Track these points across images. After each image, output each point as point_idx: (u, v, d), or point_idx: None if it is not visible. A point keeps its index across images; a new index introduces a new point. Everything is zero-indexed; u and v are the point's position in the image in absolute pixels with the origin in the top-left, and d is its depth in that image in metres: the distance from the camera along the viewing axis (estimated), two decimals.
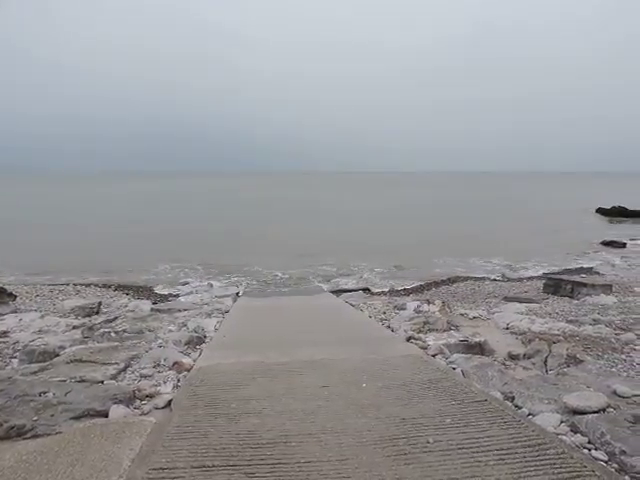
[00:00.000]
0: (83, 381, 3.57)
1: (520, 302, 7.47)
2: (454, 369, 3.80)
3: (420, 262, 14.48)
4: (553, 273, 11.58)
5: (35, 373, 3.73)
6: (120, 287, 11.00)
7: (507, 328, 5.43)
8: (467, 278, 11.65)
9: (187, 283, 11.90)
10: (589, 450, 2.44)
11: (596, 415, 2.71)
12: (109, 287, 10.89)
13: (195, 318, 6.10)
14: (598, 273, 11.88)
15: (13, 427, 2.68)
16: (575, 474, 2.11)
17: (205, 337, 5.07)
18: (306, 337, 4.79)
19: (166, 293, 10.62)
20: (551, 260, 14.76)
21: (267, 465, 2.27)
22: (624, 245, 17.65)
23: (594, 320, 5.59)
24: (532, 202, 42.52)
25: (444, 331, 5.13)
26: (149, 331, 5.35)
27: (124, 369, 3.93)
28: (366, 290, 10.31)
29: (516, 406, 3.05)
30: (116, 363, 3.97)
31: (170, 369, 3.89)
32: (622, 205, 30.78)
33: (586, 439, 2.53)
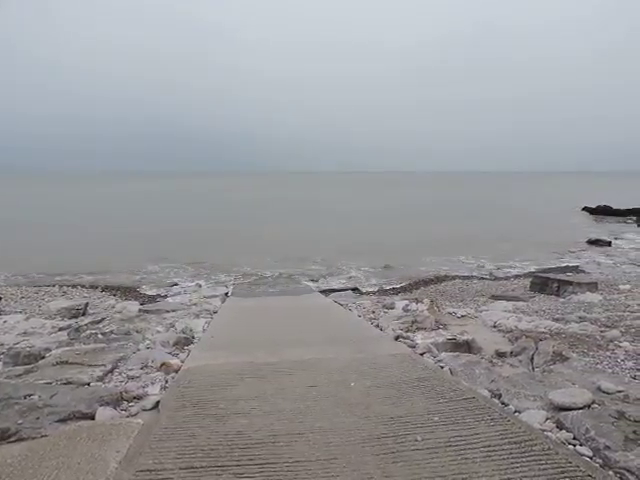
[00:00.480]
0: (69, 383, 3.53)
1: (507, 300, 7.54)
2: (442, 367, 3.83)
3: (409, 261, 14.55)
4: (540, 271, 11.71)
5: (20, 376, 3.67)
6: (107, 288, 10.89)
7: (494, 326, 5.48)
8: (455, 277, 11.74)
9: (176, 284, 11.83)
10: (574, 446, 2.47)
11: (581, 411, 2.75)
12: (96, 288, 10.77)
13: (183, 319, 6.06)
14: (584, 271, 12.05)
15: None
16: (560, 470, 2.14)
17: (193, 338, 5.05)
18: (295, 337, 4.79)
19: (154, 294, 10.55)
20: (538, 259, 14.94)
21: (255, 465, 2.26)
22: (609, 244, 17.92)
23: (580, 318, 5.66)
24: (522, 202, 42.94)
25: (432, 330, 5.16)
26: (136, 332, 5.30)
27: (111, 371, 3.89)
28: (355, 290, 10.34)
29: (503, 403, 3.08)
30: (103, 365, 3.93)
31: (158, 370, 3.86)
32: (607, 204, 31.27)
33: (571, 435, 2.56)
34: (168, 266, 14.17)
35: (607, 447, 2.34)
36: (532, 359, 4.04)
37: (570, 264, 13.59)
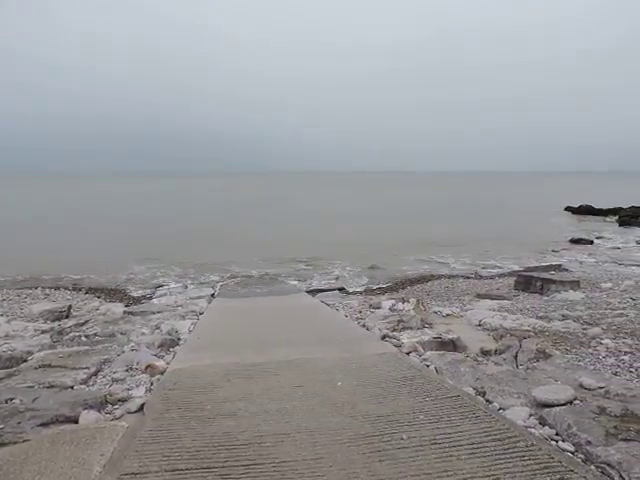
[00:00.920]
0: (52, 386, 3.48)
1: (492, 299, 7.63)
2: (428, 366, 3.86)
3: (396, 261, 14.62)
4: (524, 270, 11.86)
5: (1, 380, 3.61)
6: (92, 290, 10.73)
7: (480, 325, 5.54)
8: (441, 276, 11.83)
9: (161, 285, 11.71)
10: (556, 442, 2.51)
11: (563, 407, 2.80)
12: (80, 290, 10.61)
13: (169, 320, 6.01)
14: (567, 270, 12.23)
15: None
16: (543, 465, 2.18)
17: (179, 339, 5.01)
18: (282, 337, 4.78)
19: (140, 295, 10.43)
20: (522, 258, 15.13)
21: (242, 466, 2.26)
22: (591, 242, 18.23)
23: (563, 316, 5.75)
24: (509, 201, 43.39)
25: (418, 329, 5.20)
26: (121, 334, 5.25)
27: (95, 373, 3.85)
28: (342, 290, 10.36)
29: (487, 401, 3.11)
30: (87, 367, 3.88)
31: (143, 372, 3.83)
32: (589, 204, 31.83)
33: (554, 431, 2.60)
34: (154, 266, 14.02)
35: (589, 442, 2.39)
36: (516, 357, 4.10)
37: (553, 263, 13.77)
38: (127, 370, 3.91)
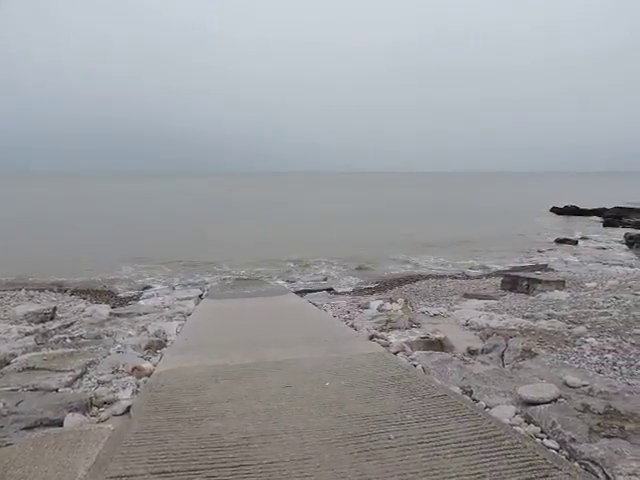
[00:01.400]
0: (36, 389, 3.43)
1: (479, 299, 7.69)
2: (415, 366, 3.88)
3: (384, 261, 14.69)
4: (510, 270, 11.98)
5: None
6: (77, 291, 10.60)
7: (467, 324, 5.59)
8: (429, 276, 11.90)
9: (149, 286, 11.61)
10: (541, 439, 2.54)
11: (548, 405, 2.83)
12: (65, 291, 10.47)
13: (156, 322, 5.96)
14: (552, 270, 12.38)
15: None
16: (528, 463, 2.20)
17: (166, 341, 4.97)
18: (270, 338, 4.77)
19: (126, 296, 10.33)
20: (508, 258, 15.29)
21: (229, 468, 2.25)
22: (576, 243, 18.49)
23: (548, 315, 5.82)
24: (499, 202, 43.74)
25: (406, 329, 5.22)
26: (107, 336, 5.19)
27: (80, 376, 3.80)
28: (330, 290, 10.37)
29: (474, 400, 3.14)
30: (72, 370, 3.83)
31: (129, 374, 3.79)
32: (574, 204, 32.30)
33: (539, 429, 2.64)
34: (142, 267, 13.90)
35: (572, 439, 2.42)
36: (502, 356, 4.14)
37: (539, 263, 13.94)
38: (113, 372, 3.87)
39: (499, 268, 13.27)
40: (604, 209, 29.82)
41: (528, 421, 2.75)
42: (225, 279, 12.13)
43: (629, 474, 2.09)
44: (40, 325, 6.04)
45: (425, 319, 5.94)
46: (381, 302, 6.83)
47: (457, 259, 15.19)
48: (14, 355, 4.36)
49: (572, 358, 4.04)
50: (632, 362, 3.87)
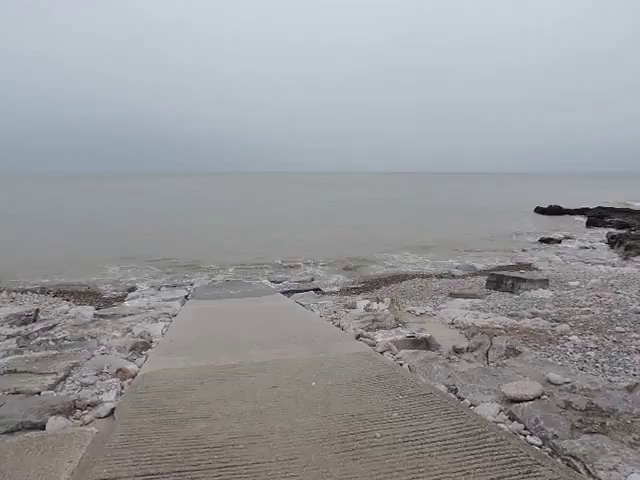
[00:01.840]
0: (18, 393, 3.37)
1: (465, 298, 7.75)
2: (401, 364, 3.90)
3: (371, 261, 14.74)
4: (495, 269, 12.11)
5: None
6: (60, 293, 10.43)
7: (452, 323, 5.63)
8: (415, 276, 11.96)
9: (134, 288, 11.48)
10: (525, 436, 2.58)
11: (532, 403, 2.87)
12: (48, 293, 10.30)
13: (141, 323, 5.90)
14: (536, 269, 12.53)
15: None
16: (512, 459, 2.23)
17: (151, 342, 4.93)
18: (256, 339, 4.76)
19: (111, 297, 10.20)
20: (493, 257, 15.45)
21: (214, 469, 2.24)
22: (559, 242, 18.77)
23: (532, 313, 5.90)
24: (487, 202, 44.11)
25: (392, 328, 5.24)
26: (91, 338, 5.12)
27: (63, 378, 3.74)
28: (317, 290, 10.36)
29: (459, 398, 3.17)
30: (54, 373, 3.77)
31: (113, 376, 3.75)
32: (557, 204, 32.78)
33: (522, 426, 2.67)
34: (129, 267, 13.75)
35: (555, 436, 2.46)
36: (487, 354, 4.18)
37: (523, 262, 14.10)
38: (97, 374, 3.82)
39: (484, 267, 13.39)
40: (587, 209, 30.33)
41: (512, 418, 2.78)
42: (211, 279, 12.05)
43: (609, 469, 2.13)
44: (22, 327, 5.93)
45: (411, 318, 5.97)
46: (368, 302, 6.85)
47: (443, 258, 15.30)
48: None
49: (555, 356, 4.11)
50: (614, 359, 3.94)
